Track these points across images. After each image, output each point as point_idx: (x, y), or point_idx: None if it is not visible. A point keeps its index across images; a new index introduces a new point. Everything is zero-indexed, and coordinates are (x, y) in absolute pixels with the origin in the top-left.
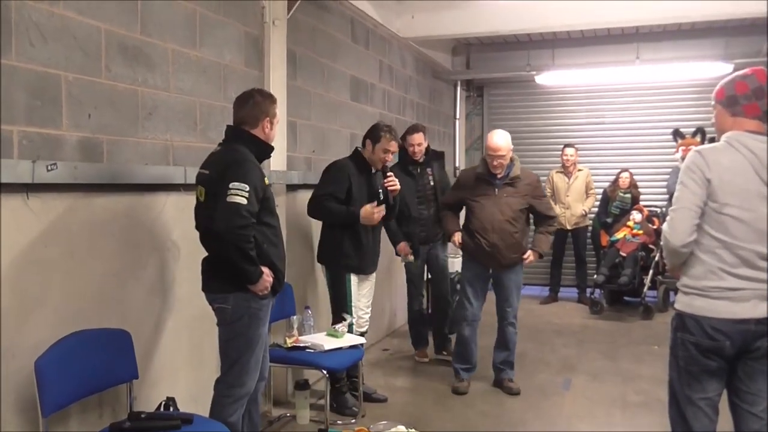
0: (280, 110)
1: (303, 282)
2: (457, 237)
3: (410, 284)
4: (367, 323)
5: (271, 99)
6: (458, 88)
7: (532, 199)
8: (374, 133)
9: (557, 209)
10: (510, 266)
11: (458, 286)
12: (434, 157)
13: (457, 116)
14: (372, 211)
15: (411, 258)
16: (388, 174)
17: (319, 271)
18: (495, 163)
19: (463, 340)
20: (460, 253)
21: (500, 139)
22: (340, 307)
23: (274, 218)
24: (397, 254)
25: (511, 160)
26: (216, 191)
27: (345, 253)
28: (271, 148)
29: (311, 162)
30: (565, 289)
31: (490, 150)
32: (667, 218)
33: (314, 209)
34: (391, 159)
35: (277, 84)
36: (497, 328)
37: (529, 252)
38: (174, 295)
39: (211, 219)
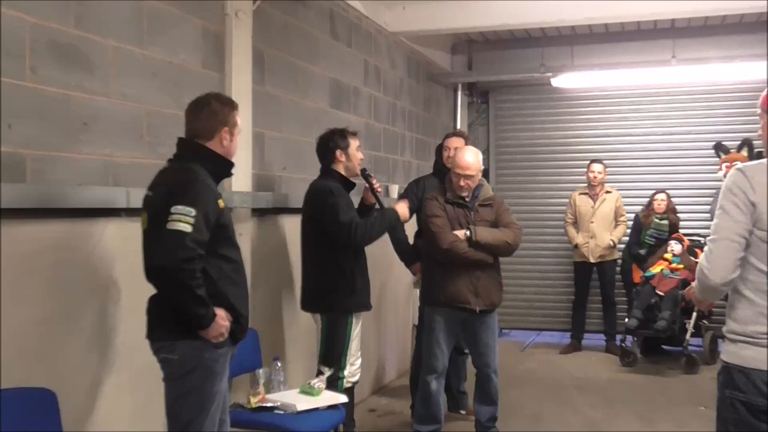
0: (244, 119)
1: (271, 327)
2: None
3: (421, 322)
4: (359, 371)
5: (230, 105)
6: (459, 94)
7: (497, 216)
8: (338, 140)
9: (579, 238)
10: (490, 309)
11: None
12: None
13: (458, 126)
14: (405, 208)
15: None
16: (370, 174)
17: (292, 313)
18: (462, 183)
19: (429, 396)
20: None
21: (471, 157)
22: (336, 356)
23: (234, 250)
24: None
25: (480, 182)
26: (158, 217)
27: (357, 289)
28: (231, 165)
29: (282, 181)
30: (590, 335)
31: (458, 168)
32: (704, 250)
33: (364, 233)
34: (363, 157)
35: (241, 88)
36: (477, 378)
37: None
38: (114, 345)
39: (151, 250)
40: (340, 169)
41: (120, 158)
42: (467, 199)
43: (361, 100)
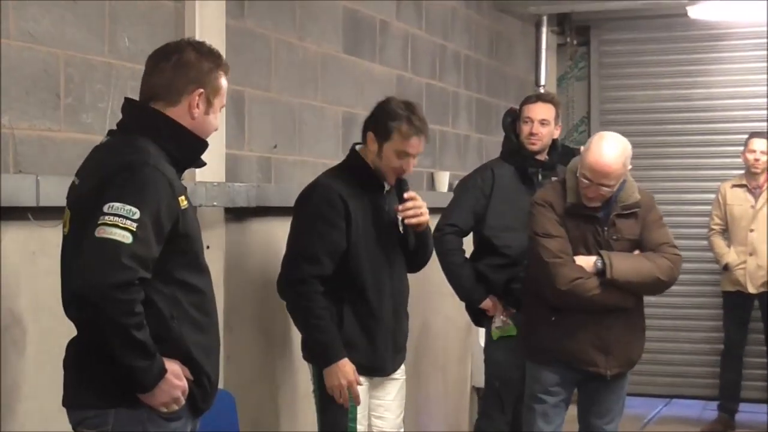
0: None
1: (255, 389)
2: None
3: (493, 388)
4: None
5: (213, 60)
6: (544, 30)
7: (644, 229)
8: (381, 121)
9: (732, 255)
10: (623, 370)
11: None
12: (567, 155)
13: (543, 81)
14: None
15: (509, 325)
16: (407, 195)
17: (288, 367)
18: (592, 194)
19: None
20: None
21: (613, 153)
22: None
23: (200, 275)
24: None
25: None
26: (85, 218)
27: (346, 339)
28: (203, 145)
29: (272, 166)
30: (750, 405)
31: (590, 173)
32: None
33: (291, 297)
34: (411, 168)
35: (208, 24)
36: None
37: None
38: (15, 413)
39: (72, 269)
40: (370, 156)
41: (24, 130)
42: (598, 207)
43: (391, 40)
